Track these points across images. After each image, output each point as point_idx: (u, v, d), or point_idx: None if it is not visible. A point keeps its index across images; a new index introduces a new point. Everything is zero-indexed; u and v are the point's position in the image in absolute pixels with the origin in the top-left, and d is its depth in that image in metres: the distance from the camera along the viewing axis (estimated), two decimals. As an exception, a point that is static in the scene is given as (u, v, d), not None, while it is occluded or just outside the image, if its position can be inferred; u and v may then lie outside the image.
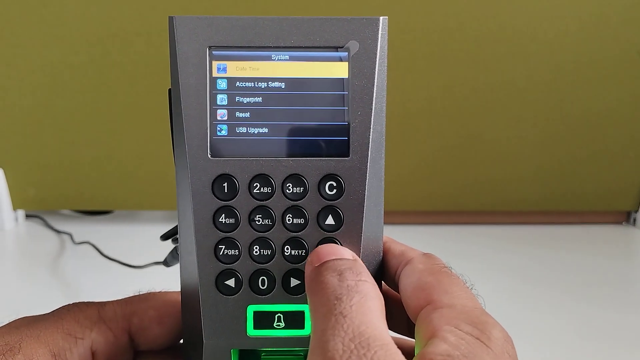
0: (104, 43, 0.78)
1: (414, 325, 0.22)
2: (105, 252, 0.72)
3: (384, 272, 0.26)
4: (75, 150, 0.83)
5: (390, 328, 0.23)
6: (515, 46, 0.81)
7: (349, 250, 0.24)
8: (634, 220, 0.91)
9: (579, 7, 0.79)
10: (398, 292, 0.25)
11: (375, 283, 0.22)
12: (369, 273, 0.22)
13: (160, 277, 0.60)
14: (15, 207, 0.86)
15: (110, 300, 0.28)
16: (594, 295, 0.65)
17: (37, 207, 0.88)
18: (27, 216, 0.89)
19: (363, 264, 0.23)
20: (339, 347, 0.18)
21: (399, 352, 0.18)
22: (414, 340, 0.23)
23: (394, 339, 0.22)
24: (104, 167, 0.84)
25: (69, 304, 0.27)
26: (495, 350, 0.19)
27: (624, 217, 0.93)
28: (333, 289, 0.21)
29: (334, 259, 0.23)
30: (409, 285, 0.24)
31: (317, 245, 0.25)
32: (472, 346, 0.19)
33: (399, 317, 0.26)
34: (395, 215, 0.88)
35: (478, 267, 0.71)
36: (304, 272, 0.25)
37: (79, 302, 0.27)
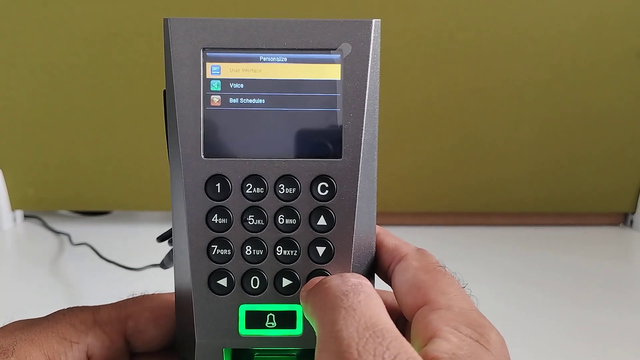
0: (104, 43, 0.78)
1: (405, 322, 0.23)
2: (103, 254, 0.73)
3: (377, 265, 0.27)
4: (74, 150, 0.83)
5: None
6: (514, 46, 0.81)
7: None
8: (631, 222, 0.91)
9: (578, 7, 0.79)
10: (390, 285, 0.25)
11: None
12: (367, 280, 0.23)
13: (157, 279, 0.60)
14: (13, 207, 0.86)
15: (105, 303, 0.28)
16: (590, 297, 0.65)
17: (35, 207, 0.88)
18: (26, 216, 0.90)
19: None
20: (354, 335, 0.18)
21: (410, 345, 0.19)
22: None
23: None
24: (103, 168, 0.84)
25: (64, 309, 0.27)
26: (494, 353, 0.20)
27: (621, 219, 0.93)
28: (337, 287, 0.21)
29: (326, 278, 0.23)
30: (404, 283, 0.24)
31: (308, 246, 0.26)
32: (474, 348, 0.20)
33: None
34: (392, 217, 0.88)
35: (475, 268, 0.71)
36: (295, 273, 0.26)
37: (74, 307, 0.27)
